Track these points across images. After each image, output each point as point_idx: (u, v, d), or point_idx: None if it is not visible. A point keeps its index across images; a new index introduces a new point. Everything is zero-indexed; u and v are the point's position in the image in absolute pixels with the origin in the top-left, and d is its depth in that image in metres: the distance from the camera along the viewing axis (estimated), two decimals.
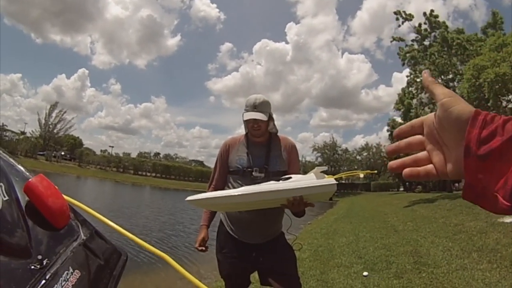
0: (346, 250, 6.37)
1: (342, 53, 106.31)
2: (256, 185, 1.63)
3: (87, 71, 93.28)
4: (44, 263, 0.67)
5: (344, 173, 1.82)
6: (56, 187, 0.88)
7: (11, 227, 0.67)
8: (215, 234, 2.09)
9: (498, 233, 6.38)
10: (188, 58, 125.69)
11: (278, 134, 2.05)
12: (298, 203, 1.58)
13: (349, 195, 36.38)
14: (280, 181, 1.62)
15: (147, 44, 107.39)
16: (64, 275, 0.70)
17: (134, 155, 75.19)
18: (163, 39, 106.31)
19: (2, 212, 0.66)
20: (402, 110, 20.09)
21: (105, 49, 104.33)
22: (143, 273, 5.51)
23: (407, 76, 20.70)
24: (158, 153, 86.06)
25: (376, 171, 4.13)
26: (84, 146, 69.39)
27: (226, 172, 2.01)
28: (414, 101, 20.20)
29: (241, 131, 2.12)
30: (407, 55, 20.33)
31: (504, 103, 13.75)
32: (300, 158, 2.24)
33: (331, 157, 54.62)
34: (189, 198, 1.61)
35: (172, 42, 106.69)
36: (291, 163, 1.98)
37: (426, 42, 20.07)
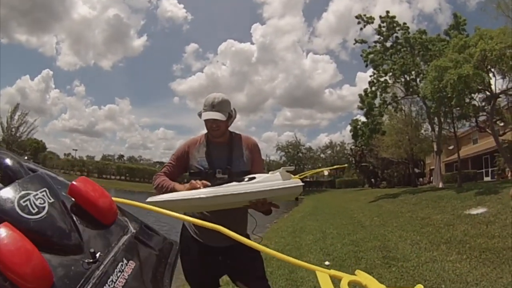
0: (313, 247, 6.28)
1: (307, 54, 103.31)
2: (220, 186, 1.58)
3: (51, 72, 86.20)
4: (97, 257, 0.70)
5: (309, 171, 1.83)
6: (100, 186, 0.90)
7: (60, 227, 0.70)
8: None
9: (466, 224, 6.45)
10: (153, 59, 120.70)
11: (240, 133, 2.02)
12: (262, 204, 1.58)
13: (314, 193, 36.56)
14: (243, 182, 1.58)
15: (113, 44, 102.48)
16: (118, 266, 0.73)
17: (98, 158, 73.20)
18: (129, 39, 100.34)
19: (49, 213, 0.69)
20: (364, 109, 20.46)
21: (71, 50, 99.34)
22: None
23: (370, 76, 21.08)
24: (122, 156, 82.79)
25: (346, 165, 3.98)
26: (48, 149, 65.78)
27: (181, 171, 1.98)
28: (377, 100, 20.61)
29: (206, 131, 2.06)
30: (369, 56, 20.81)
31: (467, 100, 14.13)
32: (264, 158, 2.25)
33: (295, 156, 55.01)
34: (150, 199, 1.55)
35: (138, 42, 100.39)
36: (254, 162, 1.95)
37: (388, 44, 20.63)
